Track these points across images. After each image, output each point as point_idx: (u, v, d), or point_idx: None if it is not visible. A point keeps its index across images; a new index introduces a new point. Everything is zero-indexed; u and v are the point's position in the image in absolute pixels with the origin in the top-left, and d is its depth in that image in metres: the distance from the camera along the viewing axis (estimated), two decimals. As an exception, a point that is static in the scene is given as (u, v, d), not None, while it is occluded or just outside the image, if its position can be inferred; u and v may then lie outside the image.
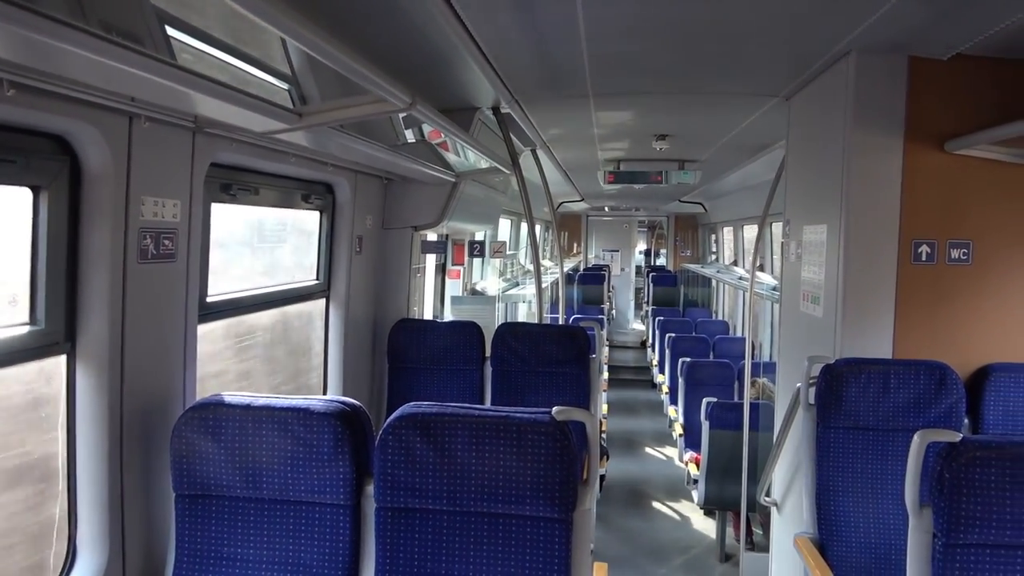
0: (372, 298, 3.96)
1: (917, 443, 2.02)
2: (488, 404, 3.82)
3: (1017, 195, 2.99)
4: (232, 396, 2.01)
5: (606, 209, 14.62)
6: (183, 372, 2.23)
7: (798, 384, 3.03)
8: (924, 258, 3.00)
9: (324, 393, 3.63)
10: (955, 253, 3.00)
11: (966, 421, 2.91)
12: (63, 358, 1.91)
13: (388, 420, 1.94)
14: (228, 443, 1.95)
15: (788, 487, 3.63)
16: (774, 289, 6.09)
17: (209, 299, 2.50)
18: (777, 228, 7.63)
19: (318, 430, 1.94)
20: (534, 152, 5.60)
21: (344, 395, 3.59)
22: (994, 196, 2.99)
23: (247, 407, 1.96)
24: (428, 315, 5.71)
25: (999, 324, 3.03)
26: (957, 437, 1.89)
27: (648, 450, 8.92)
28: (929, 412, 2.77)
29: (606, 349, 11.61)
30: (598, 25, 2.69)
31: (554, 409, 1.91)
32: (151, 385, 2.10)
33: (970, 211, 2.99)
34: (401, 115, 3.19)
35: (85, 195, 1.87)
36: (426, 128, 4.29)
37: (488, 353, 3.85)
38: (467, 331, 3.87)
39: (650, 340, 12.58)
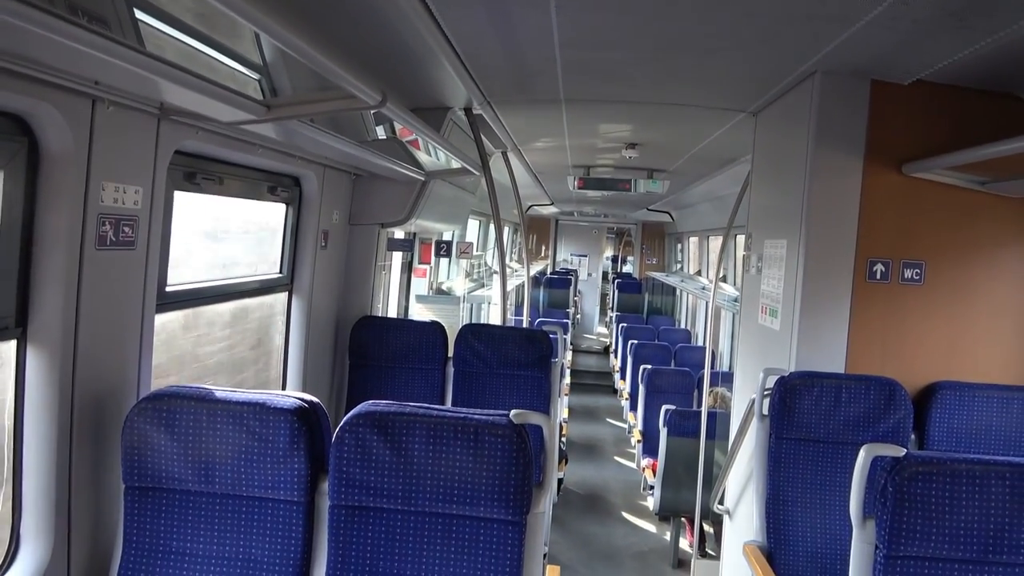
0: (336, 294, 3.93)
1: (863, 457, 2.08)
2: (449, 404, 3.82)
3: (968, 219, 3.09)
4: (187, 388, 1.98)
5: (575, 214, 14.72)
6: (138, 361, 2.19)
7: (753, 395, 3.09)
8: (878, 276, 3.08)
9: (283, 387, 3.59)
10: (908, 273, 3.08)
11: (912, 437, 3.00)
12: (13, 343, 1.87)
13: (345, 417, 1.93)
14: (181, 435, 1.92)
15: (740, 496, 3.69)
16: (735, 300, 6.19)
17: (168, 288, 2.46)
18: (741, 240, 7.77)
19: (274, 425, 1.92)
20: (505, 154, 5.61)
21: (303, 391, 3.56)
22: (947, 219, 3.09)
23: (202, 399, 1.93)
24: (392, 313, 5.68)
25: (947, 343, 3.13)
26: (901, 452, 1.95)
27: (607, 455, 8.99)
28: (878, 427, 2.84)
29: (569, 353, 11.68)
30: (572, 32, 2.71)
31: (512, 412, 1.92)
32: (104, 374, 2.06)
33: (924, 233, 3.09)
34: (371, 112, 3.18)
35: (43, 178, 1.82)
36: (397, 125, 4.27)
37: (451, 353, 3.85)
38: (430, 331, 3.86)
39: (613, 346, 12.69)
